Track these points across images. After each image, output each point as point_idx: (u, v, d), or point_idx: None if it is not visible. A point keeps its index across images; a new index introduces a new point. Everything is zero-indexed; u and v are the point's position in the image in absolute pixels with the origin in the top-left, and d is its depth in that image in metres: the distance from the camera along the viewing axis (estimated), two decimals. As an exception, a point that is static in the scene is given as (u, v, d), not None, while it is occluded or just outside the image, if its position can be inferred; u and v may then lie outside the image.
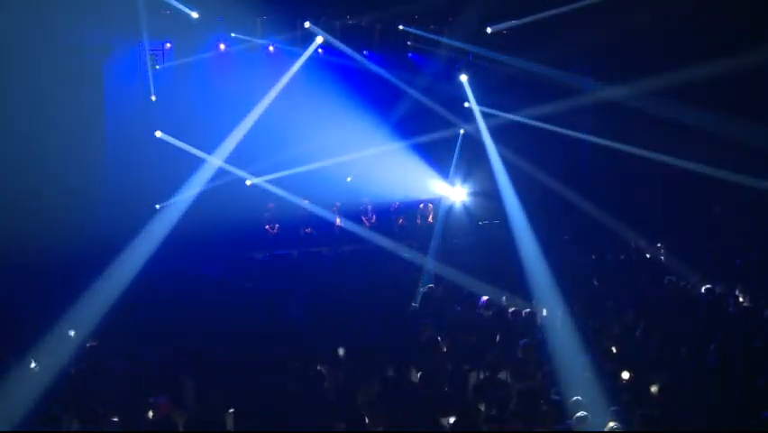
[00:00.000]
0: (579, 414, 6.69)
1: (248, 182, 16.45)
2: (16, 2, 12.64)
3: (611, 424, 6.49)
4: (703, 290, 11.02)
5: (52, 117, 13.47)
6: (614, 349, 8.81)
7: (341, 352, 8.69)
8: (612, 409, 6.73)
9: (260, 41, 15.96)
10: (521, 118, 16.76)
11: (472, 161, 18.13)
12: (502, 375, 8.02)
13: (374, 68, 17.03)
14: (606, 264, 13.86)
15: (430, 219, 18.07)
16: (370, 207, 17.85)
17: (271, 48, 16.45)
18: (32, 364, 8.06)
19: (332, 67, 16.89)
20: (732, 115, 13.54)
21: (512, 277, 11.64)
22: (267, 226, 16.85)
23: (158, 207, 14.91)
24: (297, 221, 17.02)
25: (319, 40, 16.04)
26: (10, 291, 10.69)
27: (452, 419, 6.83)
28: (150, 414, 7.04)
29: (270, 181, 16.47)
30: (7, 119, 12.95)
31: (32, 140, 13.25)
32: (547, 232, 13.95)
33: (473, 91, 17.22)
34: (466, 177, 18.35)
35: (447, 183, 18.30)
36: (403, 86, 17.21)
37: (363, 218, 17.57)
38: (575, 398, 7.00)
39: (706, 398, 7.21)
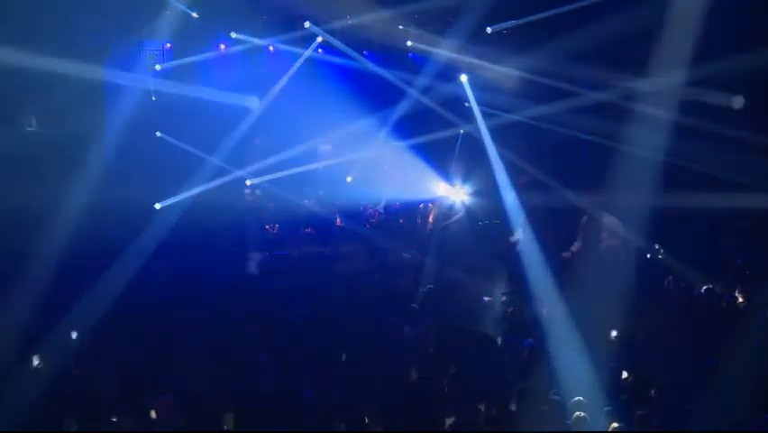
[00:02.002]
0: (577, 414, 6.69)
1: (248, 182, 16.44)
2: (16, 2, 12.63)
3: (614, 424, 6.49)
4: (703, 290, 11.01)
5: (52, 117, 13.46)
6: (614, 349, 8.80)
7: (340, 352, 8.69)
8: (606, 408, 6.73)
9: (260, 41, 15.94)
10: (521, 118, 16.74)
11: (472, 161, 18.11)
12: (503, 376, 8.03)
13: (374, 68, 17.02)
14: (606, 264, 13.83)
15: (430, 219, 18.05)
16: (371, 206, 17.82)
17: (271, 48, 16.44)
18: (36, 362, 8.07)
19: (332, 67, 16.88)
20: (733, 114, 13.53)
21: (512, 277, 11.64)
22: (267, 226, 16.84)
23: (158, 206, 14.90)
24: (297, 221, 17.03)
25: (319, 40, 16.04)
26: (10, 291, 10.68)
27: (452, 419, 6.83)
28: (151, 414, 7.04)
29: (270, 181, 16.47)
30: (7, 119, 12.94)
31: (31, 140, 13.24)
32: (547, 232, 13.93)
33: (473, 91, 17.21)
34: (466, 177, 18.32)
35: (447, 183, 18.29)
36: (403, 86, 17.20)
37: (372, 220, 17.48)
38: (576, 398, 7.00)
39: (706, 398, 7.21)
